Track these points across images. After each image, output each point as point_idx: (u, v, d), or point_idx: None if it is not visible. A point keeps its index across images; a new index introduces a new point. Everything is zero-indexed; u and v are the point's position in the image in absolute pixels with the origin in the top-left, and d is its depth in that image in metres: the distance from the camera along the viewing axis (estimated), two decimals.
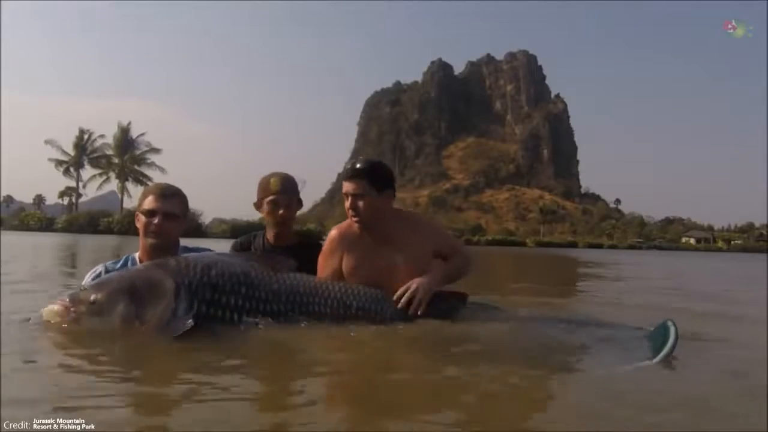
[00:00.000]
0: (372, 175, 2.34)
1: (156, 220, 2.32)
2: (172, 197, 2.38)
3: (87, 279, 2.40)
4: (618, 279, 8.51)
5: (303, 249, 2.55)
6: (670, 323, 2.07)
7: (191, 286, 2.03)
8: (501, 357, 1.91)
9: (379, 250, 2.41)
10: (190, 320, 1.95)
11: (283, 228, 2.67)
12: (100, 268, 2.47)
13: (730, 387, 1.69)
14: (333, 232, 2.48)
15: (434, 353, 2.00)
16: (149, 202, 2.35)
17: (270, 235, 2.72)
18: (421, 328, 2.24)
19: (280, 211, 2.61)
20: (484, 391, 1.52)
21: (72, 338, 1.90)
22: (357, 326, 2.17)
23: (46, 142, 56.99)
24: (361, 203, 2.33)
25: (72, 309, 1.96)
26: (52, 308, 2.00)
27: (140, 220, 2.37)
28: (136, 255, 2.48)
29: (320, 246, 2.57)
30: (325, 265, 2.44)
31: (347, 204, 2.36)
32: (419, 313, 2.30)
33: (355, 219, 2.37)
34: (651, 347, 2.03)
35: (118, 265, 2.45)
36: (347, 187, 2.36)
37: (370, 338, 2.09)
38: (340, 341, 2.06)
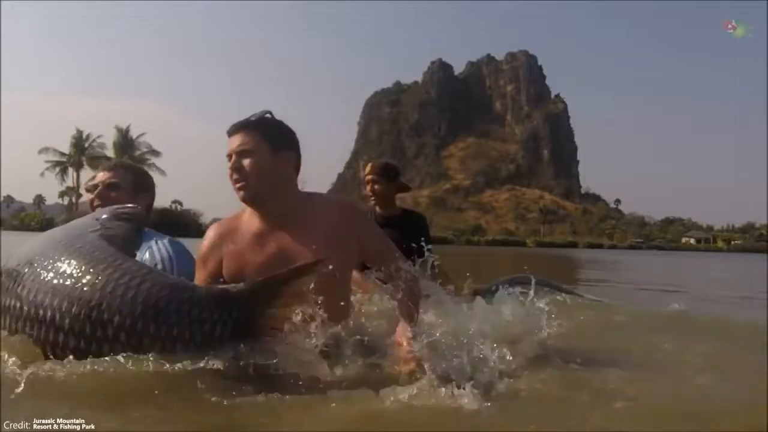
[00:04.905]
0: (265, 127, 1.74)
1: (98, 191, 2.22)
2: (116, 168, 2.29)
3: None
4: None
5: None
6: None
7: None
8: None
9: (271, 234, 1.73)
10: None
11: None
12: None
13: None
14: (210, 232, 1.83)
15: None
16: (95, 178, 2.29)
17: None
18: None
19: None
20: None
21: None
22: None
23: (41, 151, 56.54)
24: (247, 161, 1.69)
25: None
26: None
27: (88, 198, 2.28)
28: None
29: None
30: (197, 275, 1.80)
31: (230, 167, 1.72)
32: None
33: (239, 186, 1.70)
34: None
35: None
36: (229, 144, 1.73)
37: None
38: None
